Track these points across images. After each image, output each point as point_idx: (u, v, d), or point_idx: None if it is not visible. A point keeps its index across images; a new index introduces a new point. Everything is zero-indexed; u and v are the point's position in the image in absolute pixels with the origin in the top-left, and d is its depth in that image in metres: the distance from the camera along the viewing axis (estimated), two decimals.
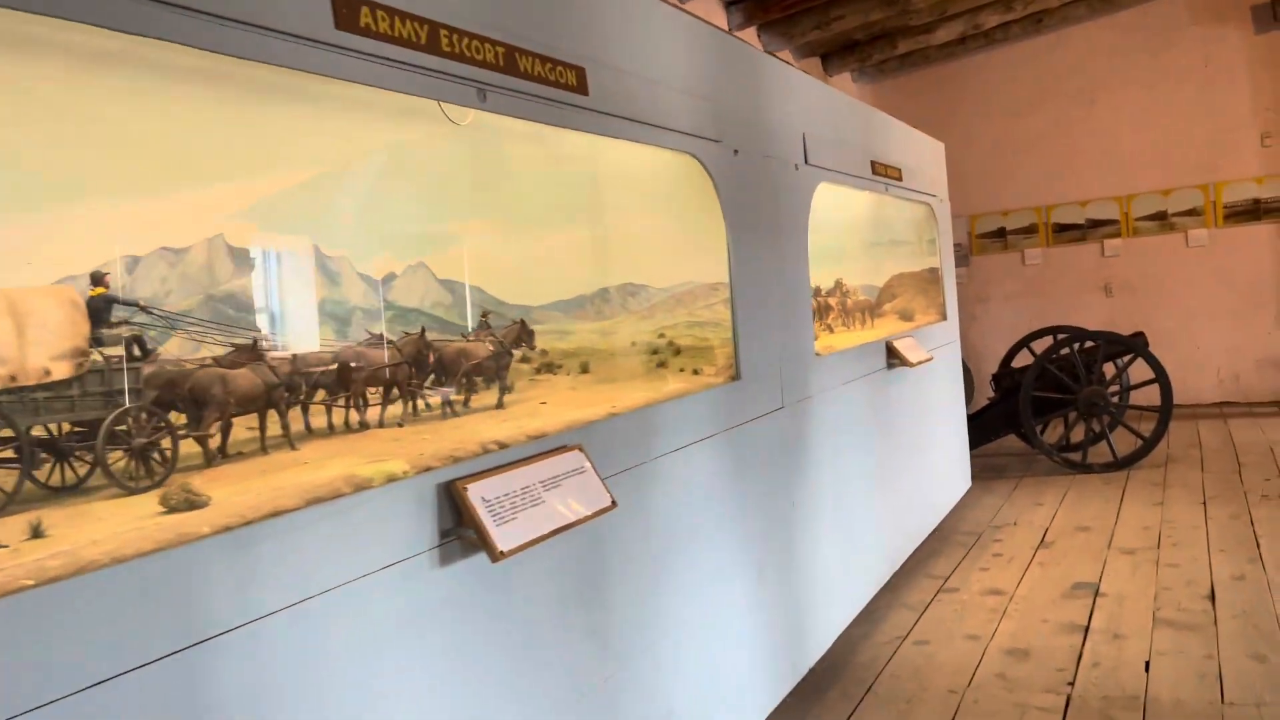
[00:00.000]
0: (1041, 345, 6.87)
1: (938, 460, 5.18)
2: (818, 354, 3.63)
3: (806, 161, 3.55)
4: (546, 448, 1.97)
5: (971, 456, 6.59)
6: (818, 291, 5.09)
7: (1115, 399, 6.16)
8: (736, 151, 2.96)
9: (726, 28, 6.46)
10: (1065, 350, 6.15)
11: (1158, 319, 8.43)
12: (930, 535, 4.87)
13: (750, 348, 2.98)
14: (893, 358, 4.43)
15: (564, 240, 3.34)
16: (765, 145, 3.20)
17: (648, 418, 2.41)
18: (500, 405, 2.43)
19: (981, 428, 6.38)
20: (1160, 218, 8.36)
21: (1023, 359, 7.08)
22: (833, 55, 8.19)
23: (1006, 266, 9.05)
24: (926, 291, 5.89)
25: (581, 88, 2.15)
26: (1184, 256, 8.32)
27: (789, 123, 3.43)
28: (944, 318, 5.71)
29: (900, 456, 4.50)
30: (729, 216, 2.89)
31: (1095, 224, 8.60)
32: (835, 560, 3.58)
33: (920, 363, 4.51)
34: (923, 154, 5.42)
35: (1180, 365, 8.25)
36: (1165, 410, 5.90)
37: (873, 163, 4.39)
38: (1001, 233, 9.03)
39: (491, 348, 2.41)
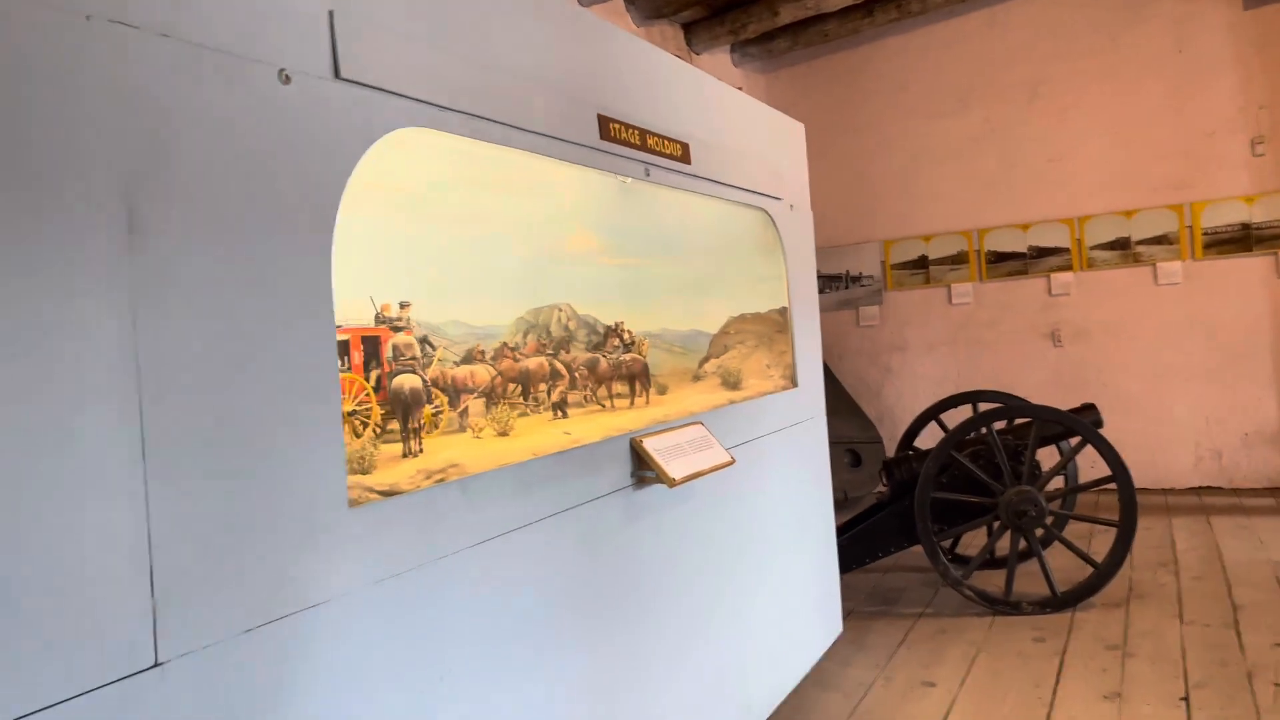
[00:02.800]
0: (959, 418, 5.03)
1: (762, 624, 3.27)
2: (370, 498, 1.72)
3: (339, 73, 1.64)
4: None
5: (859, 570, 4.72)
6: (565, 344, 3.23)
7: (1055, 503, 4.30)
8: None
9: None
10: (982, 430, 4.31)
11: (1120, 376, 6.67)
12: None
13: None
14: (646, 469, 2.53)
15: None
16: None
17: None
18: None
19: (866, 539, 4.50)
20: (1122, 246, 6.62)
21: (934, 434, 5.26)
22: (699, 24, 6.38)
23: (929, 305, 7.25)
24: (776, 343, 4.03)
25: None
26: (1152, 296, 6.57)
27: None
28: (792, 383, 3.84)
29: (657, 647, 2.58)
30: None
31: (1040, 253, 6.85)
32: None
33: (692, 478, 2.60)
34: (751, 130, 3.57)
35: (1149, 438, 6.49)
36: (1125, 524, 4.05)
37: (606, 120, 2.51)
38: (923, 262, 7.24)
39: None
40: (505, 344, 2.74)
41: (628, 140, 2.60)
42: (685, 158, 2.95)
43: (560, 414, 2.80)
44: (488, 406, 2.66)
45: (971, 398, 4.99)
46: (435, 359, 2.50)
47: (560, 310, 3.59)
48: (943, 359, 7.20)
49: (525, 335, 3.27)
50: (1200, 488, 6.50)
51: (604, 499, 2.38)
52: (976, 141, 7.03)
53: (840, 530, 4.66)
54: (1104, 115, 6.64)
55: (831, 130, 7.43)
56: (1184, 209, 6.45)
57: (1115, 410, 6.60)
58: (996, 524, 4.34)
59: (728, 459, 2.83)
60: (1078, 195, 6.75)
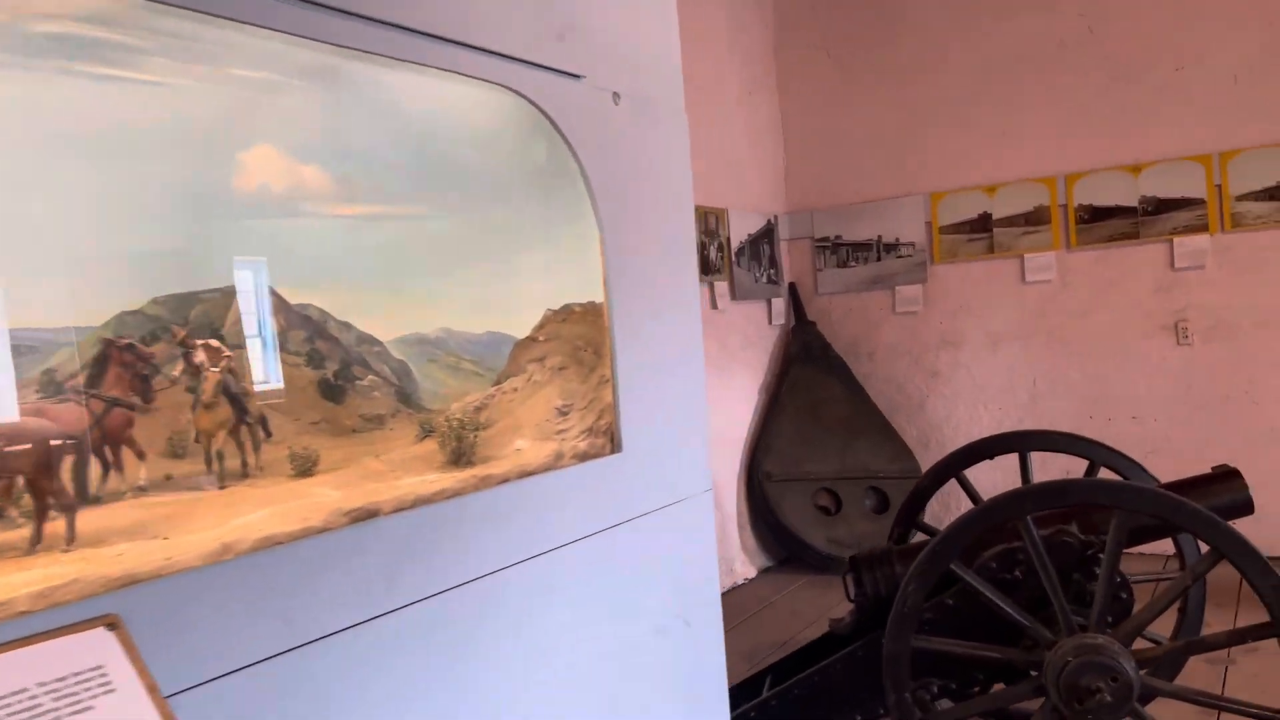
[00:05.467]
0: (993, 482, 3.08)
1: None
2: None
3: None
4: None
5: None
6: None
7: (1146, 665, 2.31)
8: None
9: None
10: (1000, 523, 2.33)
11: None
12: None
13: None
14: None
15: None
16: None
17: None
18: None
19: (812, 701, 2.60)
20: None
21: (959, 503, 3.32)
22: None
23: (993, 283, 5.19)
24: (604, 362, 2.17)
25: None
26: None
27: None
28: (611, 445, 2.00)
29: None
30: None
31: (1159, 206, 4.72)
32: None
33: None
34: None
35: None
36: None
37: None
38: (985, 223, 5.17)
39: None
40: None
41: None
42: None
43: None
44: None
45: (1017, 443, 3.01)
46: None
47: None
48: (1013, 361, 5.13)
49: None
50: None
51: None
52: (1067, 47, 4.91)
53: (778, 673, 2.79)
54: None
55: (861, 45, 5.43)
56: None
57: (1273, 443, 4.45)
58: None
59: None
60: (1218, 120, 4.58)
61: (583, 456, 1.93)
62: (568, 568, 1.77)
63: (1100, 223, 4.86)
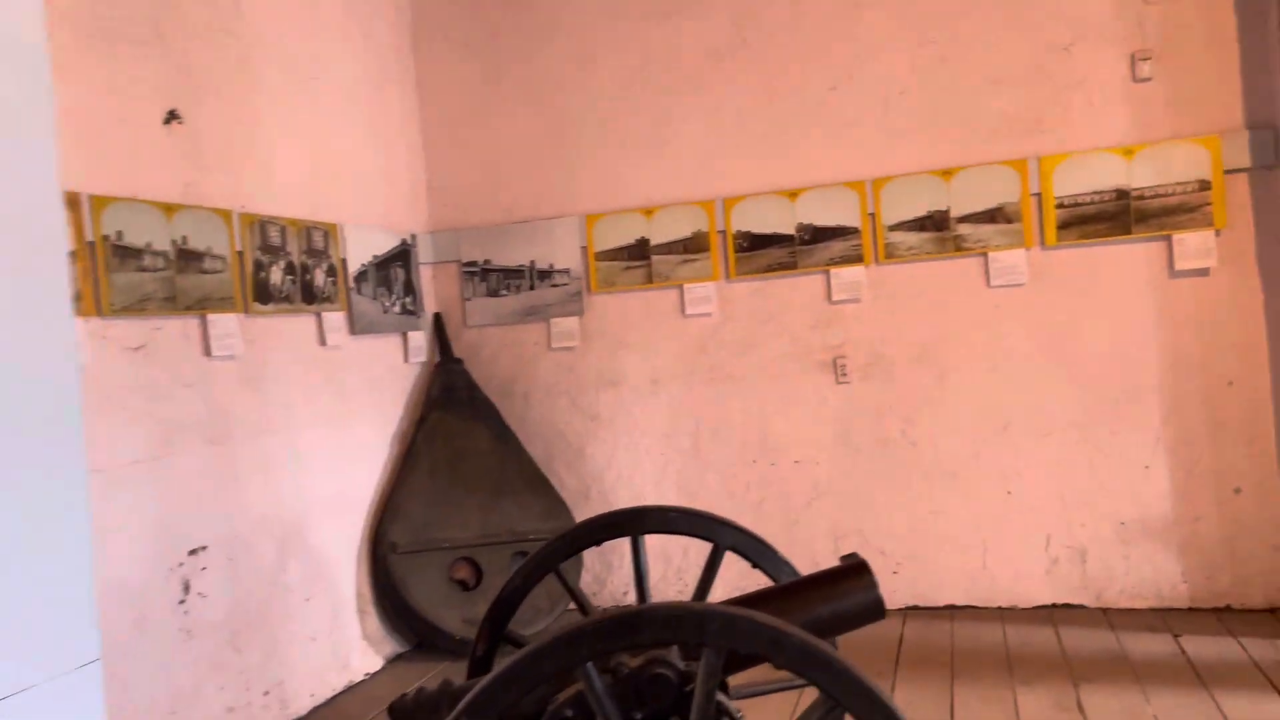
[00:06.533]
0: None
1: None
2: None
3: None
4: None
5: None
6: None
7: None
8: None
9: None
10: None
11: (934, 431, 4.30)
12: None
13: None
14: None
15: None
16: None
17: None
18: None
19: None
20: (936, 225, 4.26)
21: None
22: None
23: (653, 316, 4.69)
24: None
25: None
26: (982, 304, 4.24)
27: None
28: None
29: None
30: None
31: (816, 235, 4.40)
32: None
33: None
34: None
35: (978, 530, 4.20)
36: None
37: None
38: (643, 249, 4.67)
39: None
40: None
41: None
42: None
43: None
44: None
45: (628, 525, 2.38)
46: None
47: None
48: (675, 401, 4.65)
49: None
50: (1055, 605, 4.20)
51: None
52: (722, 57, 4.52)
53: None
54: (909, 12, 4.25)
55: (506, 44, 4.79)
56: (1028, 166, 4.13)
57: (930, 486, 4.24)
58: None
59: None
60: (870, 145, 4.35)
61: None
62: None
63: (759, 251, 4.49)
